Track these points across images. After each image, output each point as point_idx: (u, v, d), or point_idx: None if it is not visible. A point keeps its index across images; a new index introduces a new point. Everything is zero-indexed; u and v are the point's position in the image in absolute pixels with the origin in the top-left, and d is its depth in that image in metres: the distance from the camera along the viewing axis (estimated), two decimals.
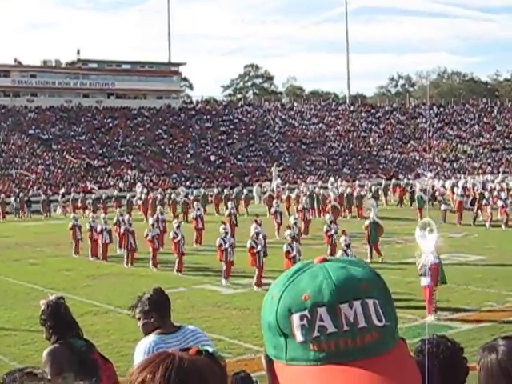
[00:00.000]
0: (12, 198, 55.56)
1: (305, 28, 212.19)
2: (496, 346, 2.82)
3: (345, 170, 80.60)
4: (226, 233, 24.45)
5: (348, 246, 21.20)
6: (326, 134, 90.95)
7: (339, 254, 20.77)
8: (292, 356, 1.35)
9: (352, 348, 1.32)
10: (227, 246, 23.73)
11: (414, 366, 1.39)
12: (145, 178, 71.46)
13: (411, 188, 52.29)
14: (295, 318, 1.34)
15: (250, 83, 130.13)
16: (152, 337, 5.79)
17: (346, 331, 1.32)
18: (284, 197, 47.99)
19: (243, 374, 6.34)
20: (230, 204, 40.03)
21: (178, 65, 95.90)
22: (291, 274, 1.41)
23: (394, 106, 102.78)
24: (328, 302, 1.33)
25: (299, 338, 1.34)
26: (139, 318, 6.02)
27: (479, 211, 39.59)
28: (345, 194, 46.42)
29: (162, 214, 35.14)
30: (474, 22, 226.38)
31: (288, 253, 21.72)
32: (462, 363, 3.17)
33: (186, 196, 49.45)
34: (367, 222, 28.95)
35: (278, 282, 1.42)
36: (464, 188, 46.03)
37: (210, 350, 1.61)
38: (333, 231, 27.80)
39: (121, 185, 67.96)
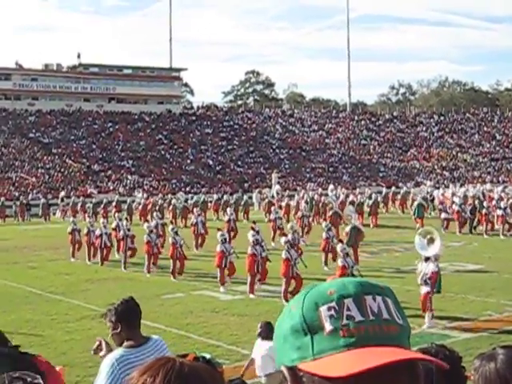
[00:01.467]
0: (12, 202, 55.63)
1: (307, 35, 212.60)
2: (495, 355, 2.83)
3: (345, 177, 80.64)
4: (225, 239, 24.42)
5: (347, 254, 21.14)
6: (326, 141, 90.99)
7: (339, 262, 20.72)
8: (320, 349, 1.38)
9: (380, 334, 1.38)
10: (226, 252, 23.74)
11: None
12: (145, 182, 71.51)
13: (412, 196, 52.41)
14: (323, 309, 1.40)
15: (250, 89, 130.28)
16: (118, 352, 5.61)
17: (373, 320, 1.38)
18: (283, 204, 47.93)
19: (238, 381, 6.33)
20: (229, 210, 40.00)
21: (179, 70, 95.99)
22: (308, 287, 1.48)
23: (395, 114, 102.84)
24: (354, 293, 1.40)
25: (328, 327, 1.38)
26: (109, 328, 5.86)
27: (479, 220, 39.58)
28: (347, 202, 46.37)
29: (160, 218, 35.10)
30: (475, 30, 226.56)
31: (288, 260, 21.68)
32: (460, 372, 3.17)
33: (186, 201, 49.44)
34: (348, 228, 28.98)
35: (297, 296, 1.48)
36: (464, 197, 46.03)
37: (208, 356, 1.63)
38: (332, 238, 27.79)
39: (120, 189, 67.95)
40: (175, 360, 1.57)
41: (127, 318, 5.75)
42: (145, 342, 5.73)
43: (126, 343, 5.68)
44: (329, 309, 1.39)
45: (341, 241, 23.17)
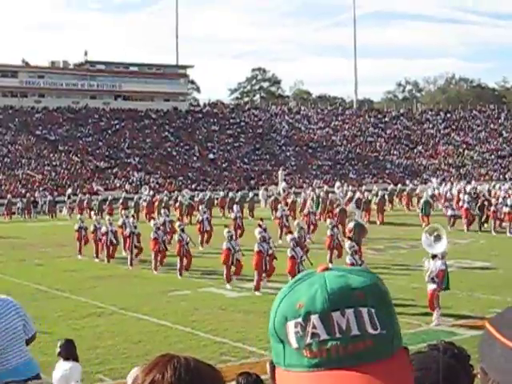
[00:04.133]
0: (18, 199, 55.73)
1: (315, 32, 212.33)
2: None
3: (351, 174, 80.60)
4: (231, 236, 24.42)
5: (356, 252, 21.11)
6: (333, 138, 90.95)
7: (347, 259, 20.69)
8: (289, 362, 1.38)
9: (343, 355, 1.34)
10: (232, 249, 23.75)
11: (408, 378, 1.40)
12: (151, 180, 71.57)
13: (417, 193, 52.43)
14: (290, 325, 1.38)
15: (257, 87, 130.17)
16: None
17: (339, 338, 1.34)
18: (289, 201, 47.85)
19: (254, 376, 6.21)
20: (235, 208, 39.95)
21: (185, 67, 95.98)
22: (292, 283, 1.44)
23: (401, 111, 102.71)
24: (320, 309, 1.36)
25: (294, 344, 1.37)
26: None
27: (487, 217, 39.49)
28: (354, 199, 46.25)
29: (167, 216, 35.08)
30: (483, 28, 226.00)
31: (293, 257, 21.70)
32: (468, 371, 3.15)
33: (191, 198, 49.41)
34: (351, 225, 28.96)
35: (281, 291, 1.45)
36: (471, 194, 45.97)
37: None
38: (337, 235, 27.78)
39: (127, 187, 68.03)
40: (179, 356, 1.57)
41: None
42: None
43: None
44: (295, 325, 1.37)
45: (350, 238, 23.18)
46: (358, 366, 1.34)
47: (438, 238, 18.20)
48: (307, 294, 1.38)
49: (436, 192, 53.62)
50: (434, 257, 18.09)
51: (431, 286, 17.62)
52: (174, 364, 1.53)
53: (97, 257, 30.65)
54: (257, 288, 22.31)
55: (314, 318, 1.35)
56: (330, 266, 1.46)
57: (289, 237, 23.38)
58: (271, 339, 1.43)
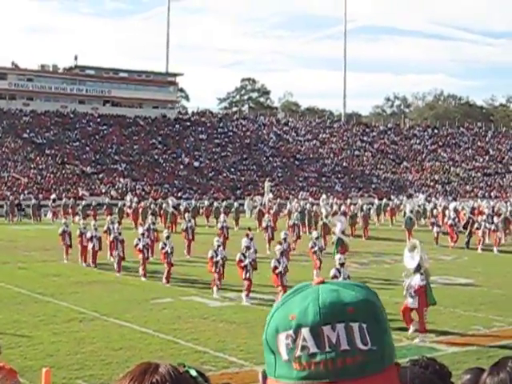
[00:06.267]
0: (3, 202, 55.55)
1: (305, 44, 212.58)
2: (505, 366, 2.74)
3: (337, 187, 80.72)
4: (219, 245, 24.47)
5: (342, 264, 21.11)
6: (320, 150, 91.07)
7: (332, 272, 20.67)
8: (279, 373, 1.39)
9: (332, 369, 1.35)
10: (219, 258, 23.76)
11: None
12: (137, 186, 71.44)
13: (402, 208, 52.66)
14: (281, 336, 1.38)
15: (246, 97, 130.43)
16: None
17: (328, 352, 1.35)
18: (272, 212, 47.90)
19: None
20: (222, 217, 39.97)
21: (174, 75, 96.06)
22: (287, 295, 1.45)
23: (389, 126, 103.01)
24: (311, 323, 1.36)
25: (284, 356, 1.38)
26: None
27: (472, 235, 39.60)
28: (339, 212, 46.32)
29: (153, 223, 35.07)
30: (474, 45, 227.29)
31: (275, 268, 21.73)
32: None
33: (175, 207, 49.38)
34: (334, 238, 29.07)
35: (276, 303, 1.46)
36: (456, 211, 46.15)
37: (194, 373, 1.62)
38: (316, 248, 27.75)
39: (113, 193, 67.89)
40: (156, 366, 1.55)
41: None
42: None
43: None
44: (286, 337, 1.37)
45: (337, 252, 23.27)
46: (346, 380, 1.34)
47: (416, 254, 18.29)
48: (300, 306, 1.39)
49: (421, 208, 53.80)
50: (415, 271, 18.14)
51: (408, 301, 17.70)
52: (148, 374, 1.53)
53: (84, 261, 30.55)
54: (247, 294, 22.46)
55: (305, 331, 1.36)
56: (325, 279, 1.47)
57: (277, 247, 23.43)
58: (264, 350, 1.43)
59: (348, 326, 1.36)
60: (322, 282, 1.45)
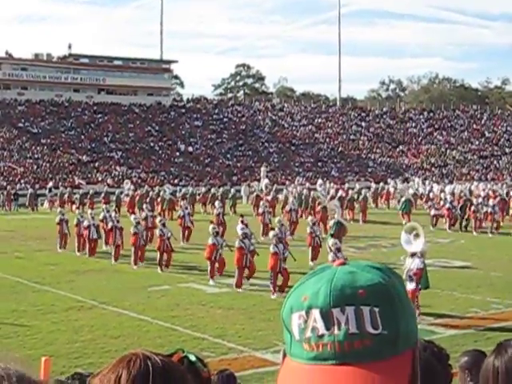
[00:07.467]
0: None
1: (301, 29, 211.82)
2: (506, 349, 2.70)
3: (333, 172, 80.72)
4: (217, 232, 24.43)
5: (339, 249, 21.10)
6: (316, 135, 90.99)
7: (330, 257, 20.71)
8: (293, 352, 1.40)
9: (339, 352, 1.34)
10: (218, 246, 23.76)
11: (403, 382, 1.38)
12: (133, 174, 71.36)
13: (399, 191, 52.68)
14: (294, 316, 1.39)
15: (241, 83, 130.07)
16: None
17: (337, 335, 1.34)
18: (269, 197, 47.80)
19: (228, 372, 6.34)
20: (217, 204, 39.91)
21: (169, 62, 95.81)
22: (306, 276, 1.45)
23: (384, 109, 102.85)
24: (322, 304, 1.36)
25: (296, 336, 1.39)
26: None
27: (468, 217, 39.64)
28: (336, 197, 46.25)
29: (150, 210, 34.99)
30: (470, 28, 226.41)
31: (276, 254, 21.70)
32: (446, 370, 3.16)
33: (173, 194, 49.34)
34: (332, 222, 29.04)
35: (296, 283, 1.47)
36: (453, 194, 46.16)
37: (193, 358, 1.60)
38: (317, 233, 27.78)
39: (109, 181, 67.81)
40: (144, 356, 1.51)
41: None
42: None
43: None
44: (299, 317, 1.38)
45: (333, 235, 23.22)
46: (353, 364, 1.34)
47: (416, 237, 18.29)
48: (313, 288, 1.39)
49: (418, 191, 53.80)
50: (413, 255, 18.17)
51: (410, 286, 17.66)
52: (130, 366, 1.48)
53: (78, 251, 30.56)
54: (238, 285, 22.30)
55: (315, 313, 1.36)
56: (346, 261, 1.46)
57: (271, 233, 23.40)
58: (283, 328, 1.44)
59: (358, 310, 1.35)
60: (343, 264, 1.43)
